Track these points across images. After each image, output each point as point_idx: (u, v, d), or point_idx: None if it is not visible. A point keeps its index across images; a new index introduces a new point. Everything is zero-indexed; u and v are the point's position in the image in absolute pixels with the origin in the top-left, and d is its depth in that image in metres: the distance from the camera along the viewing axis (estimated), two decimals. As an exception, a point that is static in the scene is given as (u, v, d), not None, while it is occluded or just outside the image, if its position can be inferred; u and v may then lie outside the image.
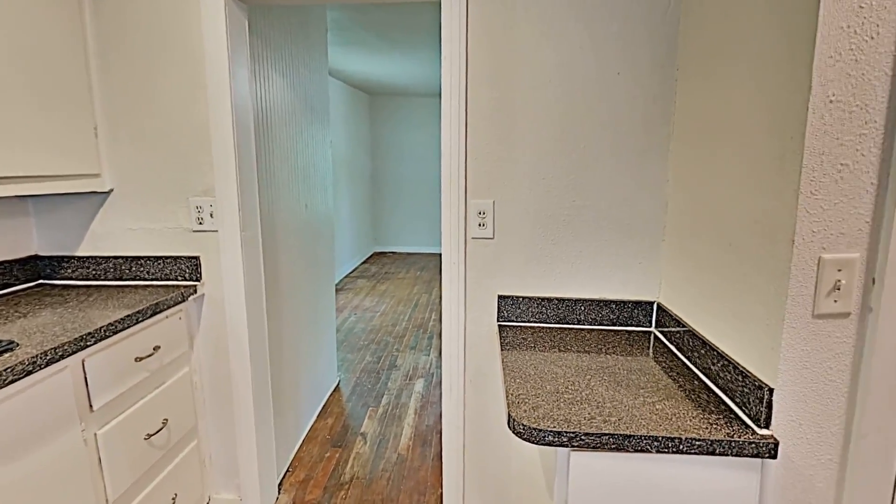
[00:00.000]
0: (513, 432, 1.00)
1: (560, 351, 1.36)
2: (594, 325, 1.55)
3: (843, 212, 0.88)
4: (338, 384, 3.25)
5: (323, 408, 2.91)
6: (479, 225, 1.55)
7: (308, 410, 2.68)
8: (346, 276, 6.36)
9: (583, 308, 1.54)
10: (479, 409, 1.65)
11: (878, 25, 0.82)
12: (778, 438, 0.95)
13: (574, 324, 1.56)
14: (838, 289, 0.90)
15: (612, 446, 0.95)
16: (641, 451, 0.94)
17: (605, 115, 1.46)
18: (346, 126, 6.47)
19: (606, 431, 0.95)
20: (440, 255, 7.62)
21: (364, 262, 7.22)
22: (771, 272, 0.95)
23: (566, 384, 1.16)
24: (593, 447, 0.95)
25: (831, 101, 0.85)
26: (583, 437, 0.95)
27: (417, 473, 2.30)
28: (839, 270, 0.89)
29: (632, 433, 0.94)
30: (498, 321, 1.58)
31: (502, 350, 1.38)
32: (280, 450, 2.23)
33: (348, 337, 4.14)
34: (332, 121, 5.85)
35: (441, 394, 3.11)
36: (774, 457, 0.93)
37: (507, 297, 1.56)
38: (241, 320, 1.80)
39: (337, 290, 5.65)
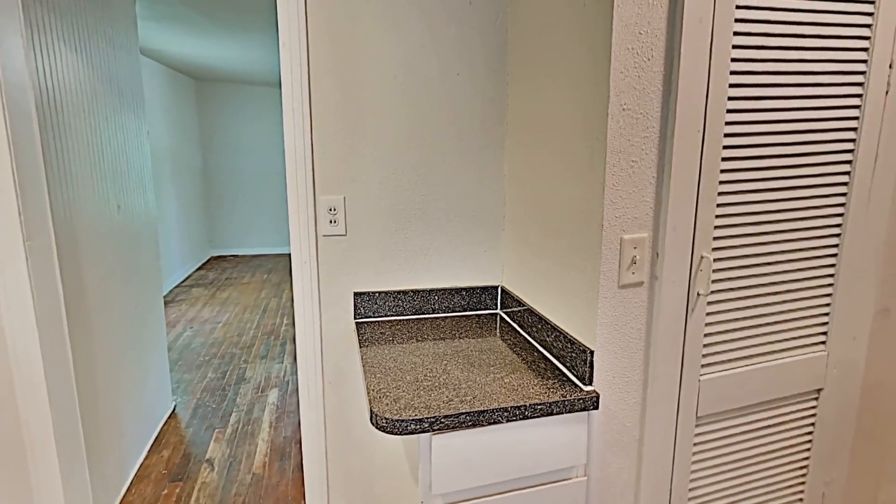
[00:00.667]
0: (376, 427, 1.00)
1: (418, 341, 1.40)
2: (448, 312, 1.63)
3: (636, 200, 1.08)
4: (173, 409, 2.85)
5: (156, 439, 2.52)
6: (331, 222, 1.50)
7: (136, 445, 2.29)
8: (177, 286, 5.58)
9: (437, 297, 1.61)
10: (341, 409, 1.61)
11: (652, 49, 1.02)
12: (599, 392, 1.13)
13: (430, 313, 1.62)
14: (635, 262, 1.10)
15: (469, 423, 1.01)
16: (494, 422, 1.03)
17: (449, 113, 1.54)
18: (168, 115, 5.65)
19: (463, 411, 1.01)
20: (290, 255, 7.19)
21: (199, 269, 6.42)
22: (587, 252, 1.11)
23: (425, 372, 1.20)
24: (452, 427, 1.01)
25: (624, 109, 1.03)
26: (442, 420, 1.00)
27: (276, 490, 2.15)
28: (635, 248, 1.09)
29: (485, 408, 1.02)
30: (355, 318, 1.56)
31: (361, 347, 1.36)
32: (99, 499, 1.86)
33: (184, 354, 3.65)
34: (148, 108, 5.04)
35: (299, 400, 2.95)
36: (597, 407, 1.10)
37: (364, 293, 1.55)
38: (32, 352, 1.44)
39: (167, 303, 4.91)
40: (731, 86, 1.09)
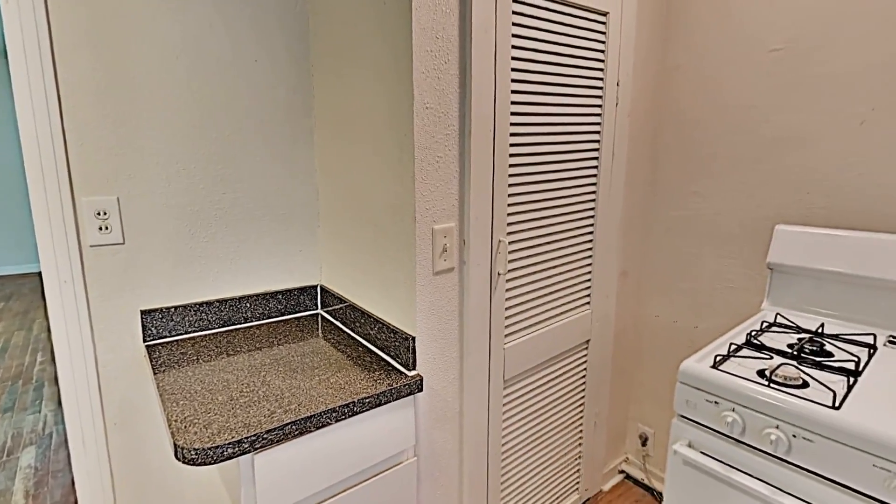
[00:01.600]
0: (183, 462, 0.87)
1: (229, 356, 1.26)
2: (264, 319, 1.51)
3: (443, 192, 1.16)
4: None
5: None
6: (101, 228, 1.22)
7: None
8: None
9: (249, 305, 1.47)
10: (132, 451, 1.34)
11: (448, 53, 1.11)
12: (422, 375, 1.19)
13: (242, 323, 1.47)
14: (446, 250, 1.19)
15: (296, 433, 0.96)
16: (323, 426, 1.00)
17: (249, 102, 1.40)
18: None
19: (288, 421, 0.95)
20: (40, 274, 5.62)
21: None
22: (403, 243, 1.16)
23: (241, 388, 1.09)
24: (277, 441, 0.94)
25: (427, 108, 1.09)
26: (265, 436, 0.92)
27: (44, 574, 1.68)
28: (445, 237, 1.18)
29: (312, 413, 0.98)
30: (146, 341, 1.31)
31: (156, 374, 1.15)
32: None
33: None
34: None
35: (69, 454, 2.35)
36: (422, 389, 1.16)
37: (155, 310, 1.32)
38: None
39: None
40: (513, 92, 1.26)
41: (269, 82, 1.43)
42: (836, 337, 1.23)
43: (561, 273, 1.55)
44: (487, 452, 1.41)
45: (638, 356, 2.02)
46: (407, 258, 1.16)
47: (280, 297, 1.53)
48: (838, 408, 0.92)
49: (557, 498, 1.75)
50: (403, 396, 1.12)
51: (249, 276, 1.48)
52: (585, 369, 1.74)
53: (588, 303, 1.68)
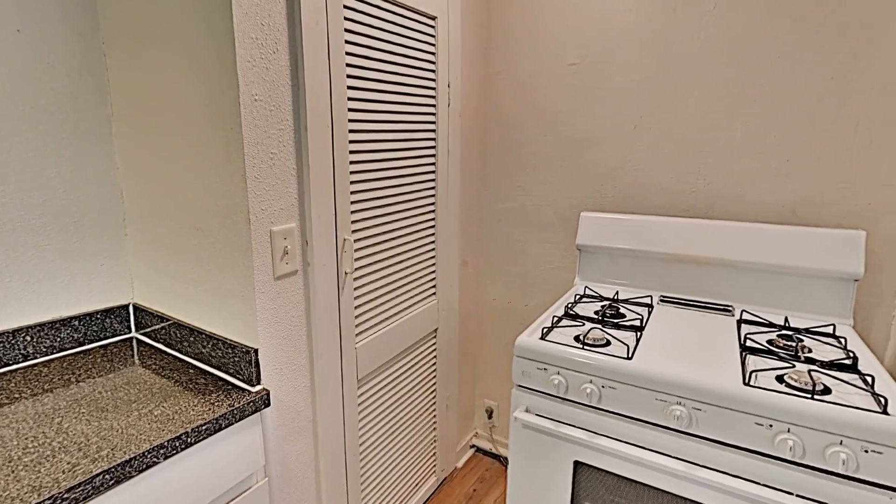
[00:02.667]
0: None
1: (2, 406, 0.99)
2: (53, 353, 1.22)
3: (280, 191, 1.09)
4: None
5: None
6: None
7: None
8: None
9: (30, 338, 1.17)
10: None
11: (276, 42, 1.04)
12: (268, 388, 1.11)
13: (21, 362, 1.16)
14: (287, 253, 1.12)
15: (112, 482, 0.80)
16: (150, 466, 0.85)
17: (11, 83, 1.10)
18: None
19: (98, 471, 0.79)
20: None
21: None
22: (236, 248, 1.05)
23: (23, 444, 0.86)
24: (86, 498, 0.77)
25: (256, 100, 1.01)
26: (66, 496, 0.75)
27: None
28: (285, 239, 1.11)
29: (131, 455, 0.83)
30: None
31: None
32: None
33: None
34: None
35: None
36: (269, 404, 1.08)
37: None
38: None
39: None
40: (350, 88, 1.24)
41: (40, 60, 1.14)
42: (626, 301, 1.52)
43: (407, 267, 1.59)
44: (345, 456, 1.38)
45: (481, 338, 2.19)
46: (243, 264, 1.05)
47: (76, 323, 1.25)
48: (630, 358, 1.14)
49: (417, 483, 1.82)
50: (248, 415, 1.03)
51: (27, 302, 1.17)
52: (435, 357, 1.83)
53: (434, 293, 1.77)
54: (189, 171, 1.11)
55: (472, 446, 2.26)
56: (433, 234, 1.71)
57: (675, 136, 1.61)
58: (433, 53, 1.56)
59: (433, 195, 1.68)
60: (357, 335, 1.38)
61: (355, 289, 1.35)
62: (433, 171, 1.66)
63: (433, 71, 1.58)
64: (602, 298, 1.56)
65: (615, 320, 1.38)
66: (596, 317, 1.40)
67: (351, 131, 1.27)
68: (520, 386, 1.27)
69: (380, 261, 1.45)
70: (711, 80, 1.52)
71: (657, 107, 1.62)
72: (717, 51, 1.50)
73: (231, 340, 1.11)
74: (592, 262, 1.70)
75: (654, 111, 1.63)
